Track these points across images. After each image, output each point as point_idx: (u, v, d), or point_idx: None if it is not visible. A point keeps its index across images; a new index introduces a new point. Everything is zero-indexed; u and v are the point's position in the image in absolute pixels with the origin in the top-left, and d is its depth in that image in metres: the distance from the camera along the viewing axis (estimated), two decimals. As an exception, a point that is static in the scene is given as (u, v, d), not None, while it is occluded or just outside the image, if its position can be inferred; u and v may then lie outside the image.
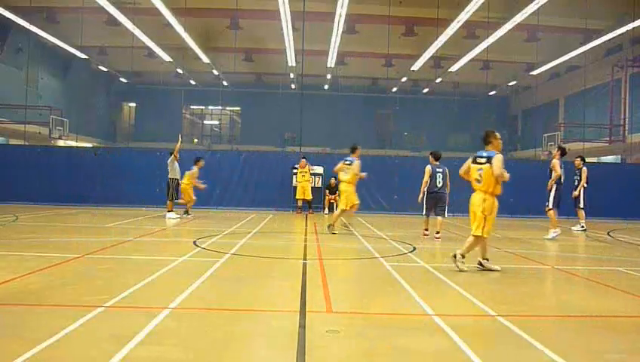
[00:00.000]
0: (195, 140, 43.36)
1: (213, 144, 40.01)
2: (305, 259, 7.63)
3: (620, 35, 23.38)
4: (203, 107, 44.88)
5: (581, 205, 13.18)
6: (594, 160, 29.68)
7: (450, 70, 30.55)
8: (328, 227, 11.24)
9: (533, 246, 10.44)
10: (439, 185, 10.36)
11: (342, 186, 11.37)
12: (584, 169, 13.18)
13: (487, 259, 6.90)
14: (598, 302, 5.46)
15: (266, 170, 18.35)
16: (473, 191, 6.80)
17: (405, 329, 4.21)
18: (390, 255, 8.18)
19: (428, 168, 10.42)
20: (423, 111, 39.16)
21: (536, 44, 26.00)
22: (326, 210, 17.35)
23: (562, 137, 28.21)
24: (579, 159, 13.27)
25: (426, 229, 10.67)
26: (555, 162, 11.57)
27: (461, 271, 6.59)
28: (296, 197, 17.26)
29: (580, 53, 26.12)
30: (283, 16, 21.10)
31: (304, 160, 17.35)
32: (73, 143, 29.41)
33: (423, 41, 25.99)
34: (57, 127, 27.37)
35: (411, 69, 30.75)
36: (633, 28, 22.25)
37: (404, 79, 34.87)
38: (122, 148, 28.57)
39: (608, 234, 13.00)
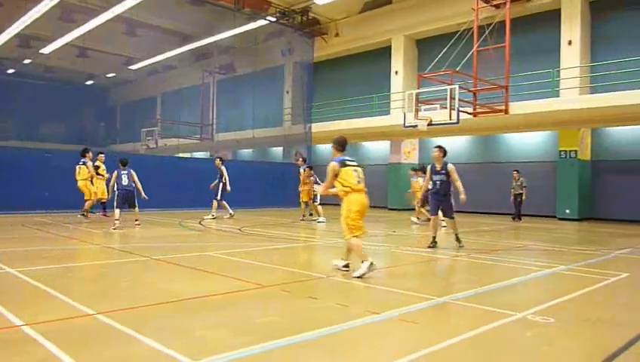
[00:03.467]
0: None
1: None
2: None
3: (209, 43, 26.12)
4: None
5: (218, 197, 15.42)
6: (187, 155, 32.29)
7: (41, 52, 27.72)
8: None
9: (132, 239, 10.55)
10: None
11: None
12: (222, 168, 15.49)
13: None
14: (193, 285, 5.90)
15: None
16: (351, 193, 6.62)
17: (-15, 349, 3.54)
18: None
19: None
20: (9, 96, 34.26)
21: (136, 40, 26.37)
22: None
23: (160, 132, 29.57)
24: (218, 160, 15.88)
25: None
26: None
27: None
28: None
29: (176, 55, 27.93)
30: None
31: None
32: None
33: (8, 14, 22.70)
34: None
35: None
36: (221, 39, 25.24)
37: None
38: None
39: (200, 223, 14.35)
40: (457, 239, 9.72)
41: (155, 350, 3.52)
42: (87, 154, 14.07)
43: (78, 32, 23.87)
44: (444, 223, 12.87)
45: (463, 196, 9.21)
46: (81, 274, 6.56)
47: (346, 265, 6.79)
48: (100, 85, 39.38)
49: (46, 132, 36.59)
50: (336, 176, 6.65)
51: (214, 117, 31.02)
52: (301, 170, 16.57)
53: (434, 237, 9.66)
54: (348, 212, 6.60)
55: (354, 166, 6.72)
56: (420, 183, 15.24)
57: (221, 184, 15.48)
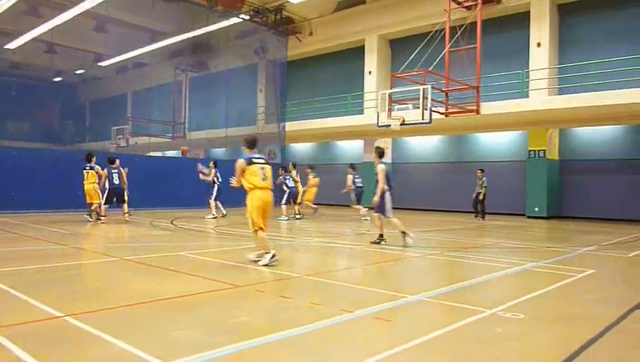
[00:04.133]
0: None
1: None
2: None
3: (181, 40, 25.80)
4: None
5: (212, 198, 15.86)
6: (159, 154, 31.86)
7: (7, 47, 26.94)
8: None
9: (102, 240, 10.35)
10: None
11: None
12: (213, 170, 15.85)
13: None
14: (166, 286, 5.82)
15: None
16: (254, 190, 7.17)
17: (-53, 354, 3.42)
18: None
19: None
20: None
21: (106, 36, 25.86)
22: None
23: (131, 131, 29.08)
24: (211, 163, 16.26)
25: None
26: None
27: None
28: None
29: (147, 52, 27.49)
30: None
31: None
32: None
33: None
34: None
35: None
36: (193, 37, 24.97)
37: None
38: None
39: (172, 222, 14.16)
40: (381, 236, 9.95)
41: (127, 352, 3.46)
42: (92, 159, 13.77)
43: (45, 27, 23.29)
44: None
45: (375, 198, 9.65)
46: (50, 275, 6.40)
47: (273, 255, 7.12)
48: (69, 82, 38.46)
49: (11, 130, 35.54)
50: (243, 172, 7.15)
51: (186, 115, 30.67)
52: (294, 173, 17.18)
53: (380, 235, 9.92)
54: (251, 207, 7.19)
55: (260, 164, 7.25)
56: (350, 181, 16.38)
57: (215, 186, 15.81)
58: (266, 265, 6.99)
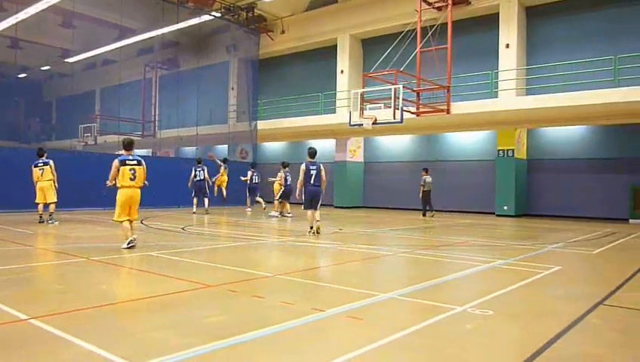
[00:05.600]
0: None
1: None
2: None
3: (151, 37, 25.40)
4: None
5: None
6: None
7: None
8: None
9: (68, 240, 10.12)
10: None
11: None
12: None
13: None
14: (135, 286, 5.72)
15: None
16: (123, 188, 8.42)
17: None
18: None
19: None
20: None
21: (73, 31, 25.26)
22: None
23: (99, 129, 28.52)
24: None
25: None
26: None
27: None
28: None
29: (116, 49, 26.97)
30: None
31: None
32: None
33: None
34: None
35: None
36: (163, 34, 24.61)
37: None
38: None
39: (142, 222, 13.92)
40: (311, 228, 11.27)
41: (95, 354, 3.38)
42: (44, 154, 13.11)
43: (9, 22, 22.62)
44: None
45: (296, 193, 11.52)
46: (14, 276, 6.21)
47: (131, 241, 8.37)
48: (34, 78, 37.39)
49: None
50: (118, 171, 8.39)
51: (156, 113, 30.23)
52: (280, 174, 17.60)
53: (311, 227, 11.24)
54: (117, 201, 8.47)
55: (132, 165, 8.47)
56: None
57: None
58: (125, 248, 8.23)
